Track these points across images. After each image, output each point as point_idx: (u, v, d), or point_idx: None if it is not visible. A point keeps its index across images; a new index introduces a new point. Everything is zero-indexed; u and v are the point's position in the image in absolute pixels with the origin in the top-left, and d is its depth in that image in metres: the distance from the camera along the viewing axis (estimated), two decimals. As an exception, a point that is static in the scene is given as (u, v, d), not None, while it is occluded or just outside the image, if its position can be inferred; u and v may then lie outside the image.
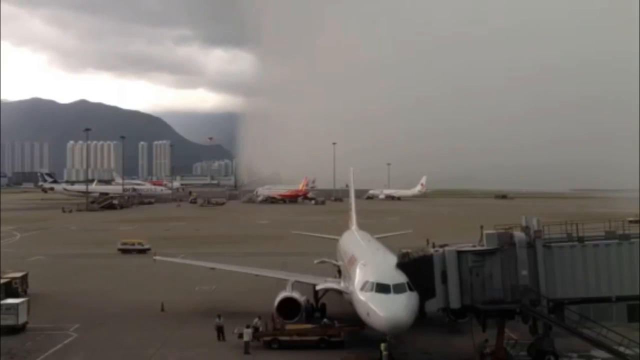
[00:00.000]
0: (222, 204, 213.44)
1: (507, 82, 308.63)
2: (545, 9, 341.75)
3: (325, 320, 41.39)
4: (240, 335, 39.14)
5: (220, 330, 40.30)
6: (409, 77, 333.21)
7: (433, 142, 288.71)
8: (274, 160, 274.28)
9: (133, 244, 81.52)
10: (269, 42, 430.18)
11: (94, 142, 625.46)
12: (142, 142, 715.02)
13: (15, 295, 49.10)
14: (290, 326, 40.24)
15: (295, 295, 42.84)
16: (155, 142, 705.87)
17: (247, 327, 38.84)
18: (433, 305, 34.03)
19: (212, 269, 53.81)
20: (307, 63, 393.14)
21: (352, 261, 41.72)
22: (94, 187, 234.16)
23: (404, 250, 36.42)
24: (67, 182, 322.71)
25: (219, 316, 41.02)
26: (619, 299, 34.10)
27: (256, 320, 40.11)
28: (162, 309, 48.69)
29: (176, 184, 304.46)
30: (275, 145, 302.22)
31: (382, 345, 33.70)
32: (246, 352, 37.92)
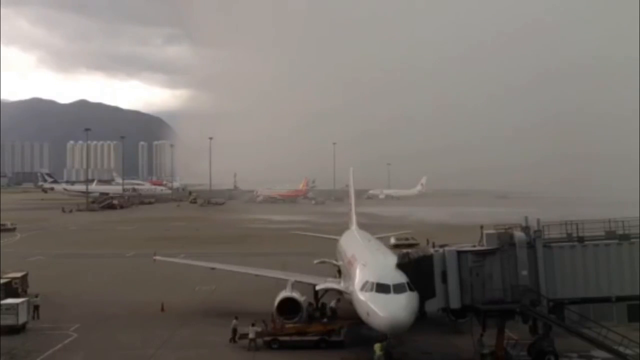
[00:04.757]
0: (222, 203, 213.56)
1: (510, 79, 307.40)
2: (547, 7, 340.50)
3: (325, 320, 41.47)
4: (241, 336, 39.27)
5: (235, 331, 39.99)
6: (408, 74, 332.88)
7: (434, 141, 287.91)
8: (267, 162, 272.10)
9: (407, 239, 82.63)
10: (259, 42, 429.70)
11: (94, 142, 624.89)
12: (142, 142, 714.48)
13: (15, 295, 49.12)
14: (290, 326, 40.28)
15: (296, 295, 42.86)
16: (155, 142, 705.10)
17: (252, 325, 38.93)
18: (433, 305, 34.02)
19: (212, 269, 53.86)
20: (298, 60, 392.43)
21: (352, 261, 41.74)
22: (94, 187, 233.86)
23: (404, 250, 36.42)
24: (67, 182, 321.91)
25: (237, 317, 40.76)
26: (619, 299, 34.10)
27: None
28: (162, 309, 48.72)
29: (176, 184, 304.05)
30: (267, 146, 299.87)
31: (377, 346, 33.81)
32: (249, 349, 38.21)
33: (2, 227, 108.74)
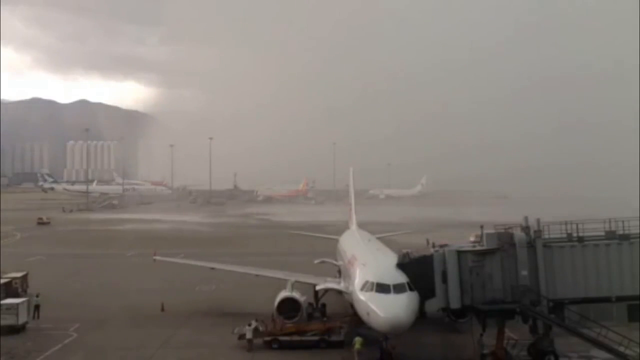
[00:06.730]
0: (222, 204, 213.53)
1: (513, 80, 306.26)
2: (550, 12, 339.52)
3: (325, 320, 41.48)
4: (241, 337, 39.27)
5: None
6: (408, 73, 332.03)
7: (435, 141, 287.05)
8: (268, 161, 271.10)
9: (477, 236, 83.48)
10: (259, 42, 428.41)
11: (94, 142, 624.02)
12: (141, 142, 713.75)
13: (16, 295, 49.14)
14: (290, 325, 40.28)
15: (296, 295, 42.86)
16: (153, 142, 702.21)
17: (249, 325, 38.91)
18: (433, 305, 34.05)
19: (212, 268, 53.86)
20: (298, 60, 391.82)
21: (352, 261, 41.74)
22: (94, 187, 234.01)
23: (404, 250, 36.44)
24: (67, 182, 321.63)
25: (256, 319, 40.31)
26: (619, 299, 34.10)
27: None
28: (162, 309, 48.75)
29: (176, 184, 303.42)
30: (266, 146, 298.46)
31: (358, 340, 34.29)
32: (249, 349, 38.19)
33: (39, 221, 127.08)
